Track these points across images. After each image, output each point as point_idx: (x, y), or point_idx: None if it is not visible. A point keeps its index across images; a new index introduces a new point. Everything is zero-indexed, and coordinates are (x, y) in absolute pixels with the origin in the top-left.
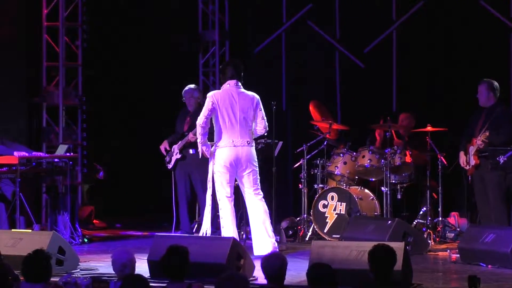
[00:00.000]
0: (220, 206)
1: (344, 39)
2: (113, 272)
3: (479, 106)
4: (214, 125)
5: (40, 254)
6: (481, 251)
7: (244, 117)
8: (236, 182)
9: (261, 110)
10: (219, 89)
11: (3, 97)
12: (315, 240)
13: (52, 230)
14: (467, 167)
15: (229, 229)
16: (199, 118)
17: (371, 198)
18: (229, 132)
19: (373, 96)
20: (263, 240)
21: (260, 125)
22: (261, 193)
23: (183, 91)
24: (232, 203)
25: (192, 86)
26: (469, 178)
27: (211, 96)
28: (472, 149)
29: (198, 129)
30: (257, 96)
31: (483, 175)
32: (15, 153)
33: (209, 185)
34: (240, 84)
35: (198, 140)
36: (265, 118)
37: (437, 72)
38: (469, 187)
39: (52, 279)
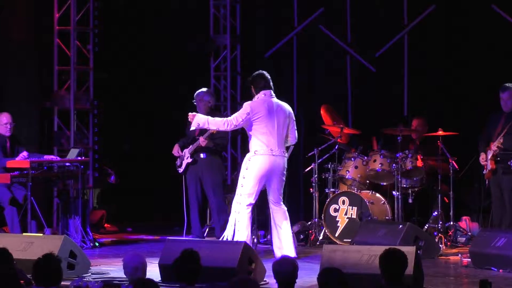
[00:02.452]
0: (238, 210)
1: (356, 43)
2: (124, 276)
3: (498, 109)
4: (248, 134)
5: (50, 258)
6: (492, 255)
7: (282, 127)
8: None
9: (294, 120)
10: (231, 93)
11: (15, 101)
12: (326, 244)
13: (63, 234)
14: (485, 171)
15: (243, 234)
16: (232, 117)
17: (382, 202)
18: (267, 141)
19: (384, 100)
20: (282, 247)
21: (292, 135)
22: (282, 200)
23: (194, 94)
24: (251, 210)
25: (204, 89)
26: (487, 182)
27: (248, 105)
28: (489, 154)
29: (224, 124)
30: (289, 107)
31: (499, 180)
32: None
33: (240, 191)
34: (274, 94)
35: (209, 118)
36: (296, 128)
37: (448, 76)
38: (482, 191)
39: (63, 283)
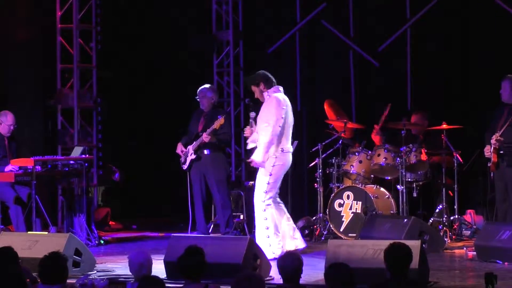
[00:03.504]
0: (266, 216)
1: (358, 38)
2: (130, 273)
3: (502, 102)
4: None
5: (56, 256)
6: (497, 248)
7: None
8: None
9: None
10: (234, 89)
11: (18, 99)
12: (331, 239)
13: (68, 232)
14: (489, 163)
15: (283, 219)
16: (274, 121)
17: (386, 196)
18: (289, 137)
19: (387, 95)
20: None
21: None
22: None
23: (197, 90)
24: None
25: (207, 86)
26: (492, 175)
27: (283, 100)
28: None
29: (272, 135)
30: None
31: (503, 173)
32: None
33: (264, 189)
34: None
35: (266, 146)
36: None
37: (452, 69)
38: (486, 184)
39: (69, 281)
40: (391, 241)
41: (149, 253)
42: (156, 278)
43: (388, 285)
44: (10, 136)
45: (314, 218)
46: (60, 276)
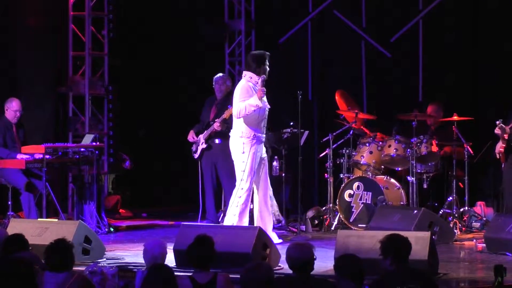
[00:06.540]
0: None
1: (371, 29)
2: (139, 261)
3: None
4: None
5: (61, 243)
6: (507, 240)
7: None
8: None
9: None
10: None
11: (30, 86)
12: (341, 229)
13: (78, 220)
14: (499, 156)
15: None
16: None
17: (397, 187)
18: None
19: (399, 86)
20: None
21: None
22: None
23: (214, 78)
24: None
25: (222, 74)
26: (503, 165)
27: None
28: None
29: None
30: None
31: None
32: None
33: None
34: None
35: None
36: None
37: (463, 61)
38: (496, 176)
39: (78, 268)
40: (401, 232)
41: (165, 246)
42: (165, 266)
43: (392, 277)
44: (18, 123)
45: (324, 208)
46: (66, 264)
